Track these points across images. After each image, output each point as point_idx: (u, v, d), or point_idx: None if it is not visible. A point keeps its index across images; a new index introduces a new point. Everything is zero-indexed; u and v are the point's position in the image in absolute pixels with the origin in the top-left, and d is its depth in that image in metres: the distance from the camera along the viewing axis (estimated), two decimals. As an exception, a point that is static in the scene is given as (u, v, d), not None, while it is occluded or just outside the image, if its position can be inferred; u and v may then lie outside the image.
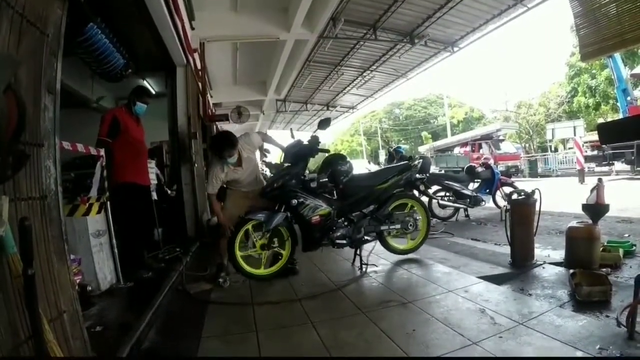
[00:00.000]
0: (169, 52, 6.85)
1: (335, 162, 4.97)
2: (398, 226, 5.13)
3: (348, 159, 5.28)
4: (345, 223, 4.86)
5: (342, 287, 4.19)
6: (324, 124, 4.78)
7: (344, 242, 4.82)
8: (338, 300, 3.83)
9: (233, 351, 2.84)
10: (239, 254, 4.57)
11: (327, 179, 4.82)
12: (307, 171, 5.03)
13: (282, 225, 4.64)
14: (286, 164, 4.76)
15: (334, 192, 5.02)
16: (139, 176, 5.16)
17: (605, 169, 20.33)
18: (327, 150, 4.75)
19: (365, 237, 4.96)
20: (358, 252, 5.00)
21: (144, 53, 6.68)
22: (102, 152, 4.52)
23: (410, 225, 5.21)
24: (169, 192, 7.01)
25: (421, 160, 6.42)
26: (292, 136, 5.04)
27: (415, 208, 5.42)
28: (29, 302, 1.69)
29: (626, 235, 5.84)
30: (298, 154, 4.72)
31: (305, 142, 4.80)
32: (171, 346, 3.05)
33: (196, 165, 8.15)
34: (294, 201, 4.52)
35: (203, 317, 3.57)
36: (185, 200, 7.77)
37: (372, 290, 4.08)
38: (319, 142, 4.80)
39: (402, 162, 5.81)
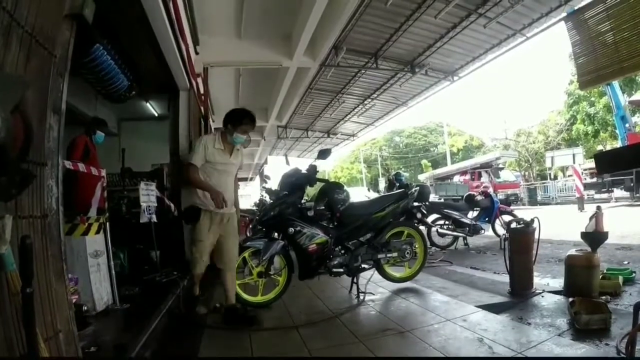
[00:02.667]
0: (172, 75, 6.92)
1: (332, 191, 5.00)
2: (395, 254, 5.16)
3: (345, 187, 5.31)
4: (343, 251, 4.87)
5: (339, 315, 4.18)
6: (324, 154, 4.82)
7: (341, 270, 4.83)
8: (335, 328, 3.82)
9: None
10: (236, 281, 4.53)
11: (323, 208, 4.86)
12: (305, 199, 5.04)
13: (279, 253, 4.64)
14: (283, 192, 4.77)
15: (331, 220, 5.03)
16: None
17: (605, 196, 20.61)
18: (326, 180, 4.78)
19: (363, 265, 4.96)
20: (355, 280, 5.00)
21: (148, 75, 6.73)
22: (103, 172, 4.55)
23: (407, 253, 5.22)
24: (173, 209, 7.00)
25: (418, 188, 6.45)
26: (287, 163, 5.08)
27: (413, 236, 5.42)
28: (26, 320, 1.69)
29: (626, 262, 5.87)
30: (295, 183, 4.77)
31: (304, 171, 4.83)
32: (166, 369, 3.03)
33: (197, 189, 8.15)
34: (291, 230, 4.55)
35: (199, 342, 3.55)
36: (184, 224, 7.75)
37: (370, 319, 4.06)
38: (317, 172, 4.83)
39: (399, 190, 5.84)
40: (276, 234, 4.72)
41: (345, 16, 8.74)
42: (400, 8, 10.04)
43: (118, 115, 10.23)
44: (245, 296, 4.60)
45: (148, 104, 9.45)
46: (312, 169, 4.80)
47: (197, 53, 8.72)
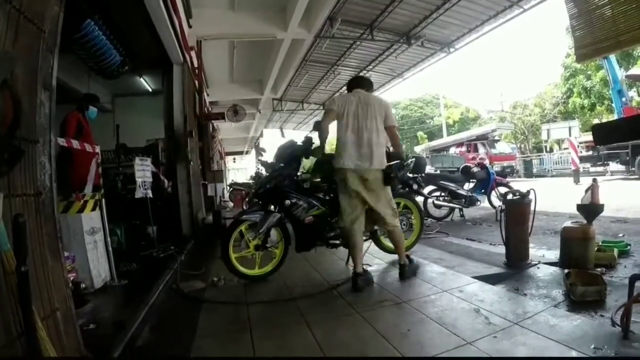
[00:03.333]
0: (165, 49, 6.83)
1: (328, 162, 4.81)
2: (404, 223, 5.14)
3: None
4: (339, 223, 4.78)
5: (336, 287, 4.18)
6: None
7: (337, 242, 4.80)
8: (333, 300, 3.82)
9: (227, 350, 2.83)
10: (233, 255, 4.53)
11: (320, 179, 4.81)
12: (301, 171, 5.01)
13: (275, 225, 4.60)
14: (279, 165, 4.73)
15: (328, 192, 4.96)
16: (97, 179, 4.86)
17: (600, 169, 20.58)
18: (322, 151, 4.69)
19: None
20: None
21: (141, 50, 6.65)
22: (98, 149, 4.51)
23: (404, 224, 5.23)
24: (169, 189, 6.98)
25: (414, 159, 6.41)
26: (282, 135, 5.03)
27: (409, 207, 5.42)
28: (22, 299, 1.68)
29: (621, 235, 5.89)
30: (291, 155, 4.72)
31: (299, 143, 4.79)
32: (165, 345, 3.04)
33: (192, 163, 8.14)
34: (287, 202, 4.51)
35: (197, 316, 3.56)
36: (180, 199, 7.76)
37: (367, 290, 4.06)
38: (313, 143, 4.77)
39: (395, 161, 5.81)
40: (273, 206, 4.68)
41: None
42: (397, -23, 9.82)
43: (111, 91, 10.17)
44: (242, 269, 4.58)
45: (142, 79, 9.37)
46: (308, 141, 4.75)
47: (190, 26, 8.59)
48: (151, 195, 5.97)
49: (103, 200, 4.55)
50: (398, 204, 5.28)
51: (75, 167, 4.91)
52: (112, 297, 4.11)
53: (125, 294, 4.26)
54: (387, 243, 5.22)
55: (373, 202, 4.20)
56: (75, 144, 4.08)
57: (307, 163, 5.58)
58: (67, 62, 5.50)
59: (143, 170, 5.87)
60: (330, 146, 4.74)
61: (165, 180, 6.76)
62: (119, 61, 5.51)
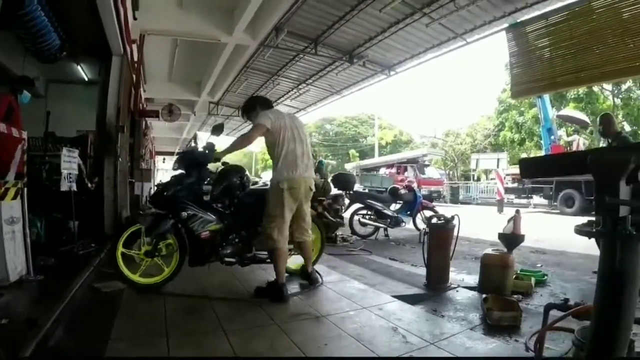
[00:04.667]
0: (107, 38, 6.59)
1: (231, 175, 4.74)
2: (291, 245, 4.79)
3: (246, 171, 5.07)
4: (237, 239, 4.60)
5: (256, 297, 4.14)
6: (217, 130, 4.55)
7: (233, 260, 4.56)
8: (252, 310, 3.78)
9: (141, 355, 2.75)
10: (120, 253, 4.22)
11: (219, 193, 4.61)
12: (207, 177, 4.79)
13: (169, 231, 4.36)
14: (180, 172, 4.53)
15: (229, 206, 4.68)
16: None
17: (524, 201, 21.79)
18: (219, 159, 4.51)
19: (258, 255, 4.66)
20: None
21: (81, 37, 6.39)
22: (25, 135, 4.28)
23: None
24: (90, 185, 6.68)
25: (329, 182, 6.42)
26: (195, 141, 4.89)
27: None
28: None
29: (539, 265, 6.26)
30: (192, 162, 4.47)
31: (200, 149, 4.64)
32: (78, 346, 2.93)
33: (120, 159, 7.85)
34: (184, 214, 4.25)
35: (114, 317, 3.42)
36: (105, 195, 7.44)
37: (285, 302, 4.05)
38: (214, 149, 4.49)
39: None
40: (170, 215, 4.33)
41: (292, -3, 8.67)
42: (347, -4, 10.03)
43: (46, 76, 9.66)
44: (129, 274, 4.25)
45: (79, 67, 8.98)
46: (210, 147, 4.48)
47: (135, 18, 8.32)
48: (75, 189, 5.71)
49: (25, 189, 4.30)
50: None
51: None
52: (27, 292, 3.88)
53: (41, 289, 4.03)
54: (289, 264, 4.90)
55: (306, 211, 4.41)
56: (3, 127, 3.84)
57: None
58: (2, 40, 5.21)
59: (70, 162, 5.60)
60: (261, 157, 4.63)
61: (87, 182, 6.45)
62: (58, 45, 5.29)
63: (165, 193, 4.31)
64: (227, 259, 4.53)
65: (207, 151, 4.46)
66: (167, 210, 4.31)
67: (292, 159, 4.22)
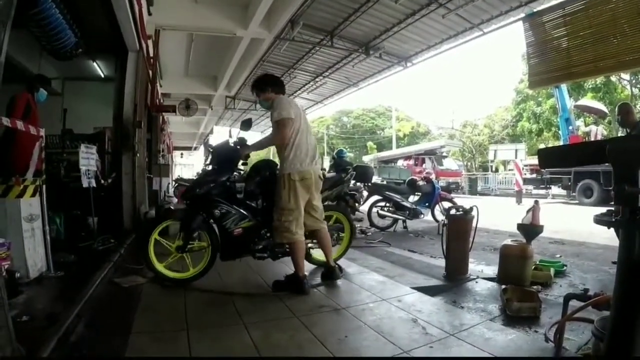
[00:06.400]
0: (122, 35, 6.61)
1: (263, 170, 4.66)
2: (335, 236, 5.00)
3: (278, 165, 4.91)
4: (268, 234, 4.52)
5: (274, 291, 4.13)
6: (246, 125, 4.54)
7: (265, 254, 4.55)
8: (272, 303, 3.77)
9: (162, 350, 2.74)
10: (152, 251, 4.27)
11: (253, 188, 4.56)
12: (241, 170, 4.78)
13: (202, 228, 4.40)
14: (212, 168, 4.55)
15: (263, 200, 4.64)
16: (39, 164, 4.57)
17: (543, 192, 21.53)
18: (249, 156, 4.53)
19: (288, 249, 4.53)
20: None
21: (97, 34, 6.42)
22: (42, 132, 4.31)
23: (334, 238, 5.07)
24: (104, 182, 6.71)
25: (354, 172, 6.42)
26: (230, 136, 4.83)
27: (341, 220, 5.29)
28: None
29: (558, 255, 6.15)
30: (225, 157, 4.49)
31: (231, 144, 4.57)
32: (100, 341, 2.91)
33: (138, 155, 7.90)
34: (217, 212, 4.28)
35: (134, 312, 3.43)
36: (123, 191, 7.51)
37: (307, 295, 4.04)
38: (246, 144, 4.52)
39: (335, 175, 5.79)
40: (203, 212, 4.36)
41: (307, -11, 8.63)
42: (363, -12, 9.95)
43: (62, 73, 9.74)
44: (160, 268, 4.29)
45: (95, 64, 9.06)
46: (242, 142, 4.50)
47: (150, 14, 8.35)
48: (94, 185, 5.76)
49: (44, 186, 4.34)
50: (330, 216, 5.12)
51: (18, 149, 4.65)
52: (47, 288, 3.91)
53: (61, 286, 4.05)
54: (315, 255, 5.02)
55: (317, 202, 4.39)
56: (20, 125, 3.86)
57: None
58: (19, 39, 5.24)
59: (88, 159, 5.66)
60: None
61: (102, 182, 6.48)
62: (73, 43, 5.31)
63: (198, 190, 4.33)
64: (258, 254, 4.52)
65: (238, 147, 4.46)
66: (200, 208, 4.32)
67: (304, 150, 4.19)
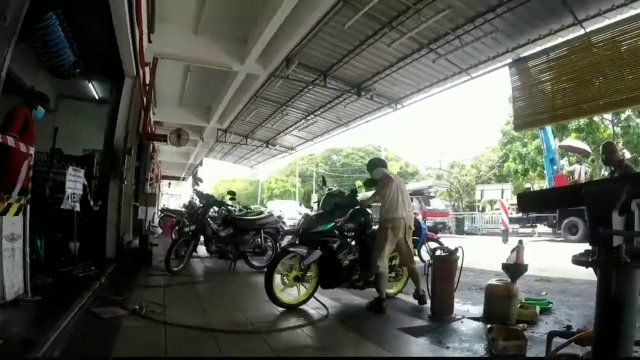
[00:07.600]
0: (121, 59, 6.66)
1: (360, 216, 5.62)
2: (393, 274, 5.89)
3: (371, 215, 5.97)
4: (359, 268, 5.41)
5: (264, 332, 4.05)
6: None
7: (360, 284, 5.42)
8: (254, 341, 3.71)
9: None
10: (274, 277, 4.82)
11: (352, 224, 5.50)
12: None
13: (316, 262, 5.01)
14: (328, 210, 5.43)
15: (359, 239, 5.62)
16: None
17: (529, 230, 22.08)
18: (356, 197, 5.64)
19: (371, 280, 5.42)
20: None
21: (96, 56, 6.49)
22: (32, 150, 4.26)
23: (400, 274, 6.07)
24: (93, 206, 6.62)
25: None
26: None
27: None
28: None
29: (544, 293, 6.15)
30: (340, 204, 5.46)
31: (346, 194, 5.71)
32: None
33: (126, 182, 7.83)
34: (335, 245, 5.12)
35: (113, 344, 3.33)
36: (108, 218, 7.41)
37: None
38: (357, 195, 5.67)
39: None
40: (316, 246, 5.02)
41: (304, 30, 8.83)
42: (358, 32, 10.20)
43: (57, 91, 9.73)
44: (281, 298, 4.88)
45: (90, 85, 9.13)
46: (354, 193, 5.65)
47: (150, 41, 8.43)
48: (79, 209, 5.67)
49: (28, 206, 4.25)
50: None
51: (6, 165, 4.58)
52: (23, 312, 3.78)
53: (38, 311, 3.92)
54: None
55: (407, 244, 5.45)
56: (11, 141, 3.82)
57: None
58: (18, 51, 5.25)
59: (75, 182, 5.58)
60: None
61: (92, 201, 6.41)
62: (72, 62, 5.38)
63: (319, 228, 5.19)
64: (357, 284, 5.42)
65: (352, 198, 5.58)
66: (314, 244, 5.03)
67: (395, 204, 5.29)
